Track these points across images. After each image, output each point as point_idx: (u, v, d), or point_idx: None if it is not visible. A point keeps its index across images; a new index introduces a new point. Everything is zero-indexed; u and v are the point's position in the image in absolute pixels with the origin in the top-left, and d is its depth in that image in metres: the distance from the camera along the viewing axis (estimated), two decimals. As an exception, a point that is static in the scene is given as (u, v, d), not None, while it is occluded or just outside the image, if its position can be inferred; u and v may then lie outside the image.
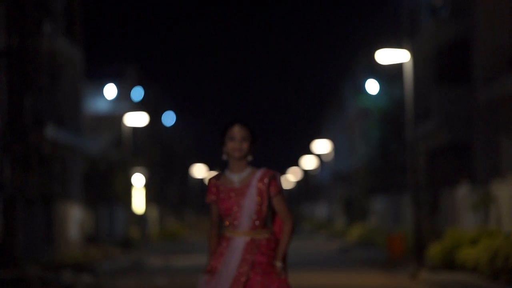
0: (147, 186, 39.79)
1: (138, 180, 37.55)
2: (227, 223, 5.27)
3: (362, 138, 36.76)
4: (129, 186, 33.78)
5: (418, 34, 26.45)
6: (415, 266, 17.63)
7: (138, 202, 38.88)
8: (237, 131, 5.24)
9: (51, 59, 19.34)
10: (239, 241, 5.22)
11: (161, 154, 43.54)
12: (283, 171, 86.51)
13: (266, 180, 5.21)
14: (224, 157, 5.28)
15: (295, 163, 72.21)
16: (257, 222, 5.20)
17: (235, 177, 5.26)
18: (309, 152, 59.40)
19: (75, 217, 26.06)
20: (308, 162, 63.15)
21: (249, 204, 5.18)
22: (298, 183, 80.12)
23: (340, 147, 50.32)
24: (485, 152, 21.42)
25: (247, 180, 5.25)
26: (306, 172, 70.42)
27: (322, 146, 51.96)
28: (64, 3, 26.60)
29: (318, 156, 58.31)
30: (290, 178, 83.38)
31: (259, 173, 5.24)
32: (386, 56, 19.15)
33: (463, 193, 20.17)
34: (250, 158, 5.28)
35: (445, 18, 24.09)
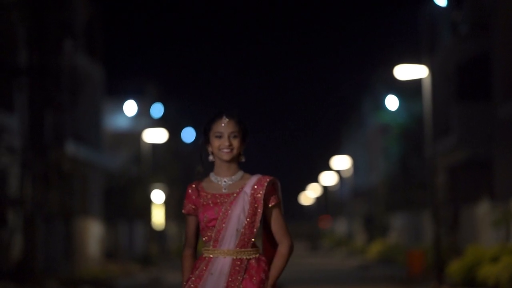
0: (166, 202, 39.85)
1: (158, 197, 37.60)
2: (206, 238, 4.14)
3: (382, 154, 36.64)
4: (148, 202, 33.84)
5: (438, 50, 26.40)
6: (435, 283, 17.51)
7: (158, 219, 38.92)
8: (224, 125, 4.16)
9: (71, 77, 19.48)
10: (224, 262, 4.08)
11: (180, 171, 43.61)
12: (302, 187, 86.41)
13: (263, 186, 4.11)
14: (210, 158, 4.22)
15: (315, 179, 72.05)
16: (245, 239, 4.09)
17: (223, 181, 4.17)
18: (328, 168, 59.28)
19: (94, 233, 26.12)
20: (328, 178, 63.01)
21: (239, 214, 4.08)
22: (318, 200, 79.94)
23: (360, 163, 50.19)
24: (506, 169, 21.27)
25: (238, 185, 4.16)
26: (325, 188, 70.24)
27: (341, 162, 51.85)
28: (85, 20, 26.80)
29: (338, 172, 58.18)
30: (310, 194, 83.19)
31: (254, 178, 4.16)
32: (405, 72, 19.11)
33: (483, 209, 20.03)
34: (242, 159, 4.21)
35: (465, 33, 24.04)
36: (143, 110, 39.96)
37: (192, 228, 4.23)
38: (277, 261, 4.14)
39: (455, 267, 16.66)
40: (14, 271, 16.95)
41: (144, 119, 39.30)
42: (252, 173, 4.28)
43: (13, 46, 17.90)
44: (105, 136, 32.19)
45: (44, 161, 17.53)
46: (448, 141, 24.70)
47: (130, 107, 38.71)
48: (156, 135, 32.26)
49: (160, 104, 42.30)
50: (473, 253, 16.42)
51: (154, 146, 38.40)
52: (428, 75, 18.91)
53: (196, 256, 4.29)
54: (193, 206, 4.20)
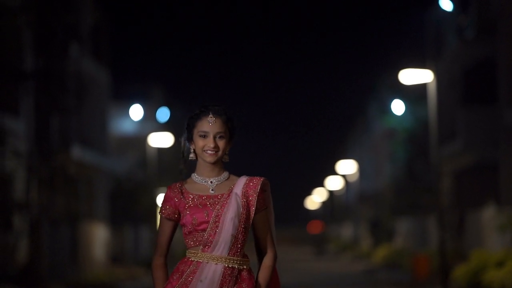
0: (172, 206, 39.87)
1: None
2: (192, 243, 3.77)
3: (388, 159, 36.62)
4: (154, 206, 33.87)
5: (444, 54, 26.38)
6: (441, 288, 17.49)
7: (163, 223, 38.96)
8: (210, 125, 3.79)
9: (77, 81, 19.53)
10: (215, 269, 3.71)
11: (185, 175, 43.61)
12: (308, 192, 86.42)
13: (256, 189, 3.78)
14: (191, 156, 3.91)
15: (320, 183, 72.05)
16: (238, 245, 3.75)
17: (210, 181, 3.83)
18: (334, 172, 59.30)
19: (100, 237, 26.15)
20: (334, 183, 63.02)
21: (233, 218, 3.72)
22: (324, 204, 79.98)
23: (366, 168, 50.16)
24: (511, 173, 21.24)
25: (226, 186, 3.82)
26: (331, 192, 70.24)
27: (347, 166, 51.83)
28: (91, 24, 26.86)
29: (344, 176, 58.18)
30: (316, 198, 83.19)
31: (243, 179, 3.82)
32: (410, 76, 19.11)
33: (489, 214, 20.01)
34: (226, 159, 3.85)
35: (471, 38, 24.03)
36: (149, 114, 40.03)
37: (167, 234, 3.83)
38: (263, 274, 3.80)
39: (460, 272, 16.64)
40: (19, 275, 16.99)
41: (150, 123, 39.37)
42: (252, 175, 3.95)
43: (19, 50, 17.95)
44: (111, 140, 32.24)
45: (50, 165, 17.56)
46: (454, 145, 24.68)
47: (136, 111, 38.78)
48: (162, 139, 32.29)
49: (166, 108, 42.35)
50: (478, 258, 16.39)
51: (160, 150, 38.46)
52: (434, 79, 18.90)
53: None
54: (175, 210, 3.84)
